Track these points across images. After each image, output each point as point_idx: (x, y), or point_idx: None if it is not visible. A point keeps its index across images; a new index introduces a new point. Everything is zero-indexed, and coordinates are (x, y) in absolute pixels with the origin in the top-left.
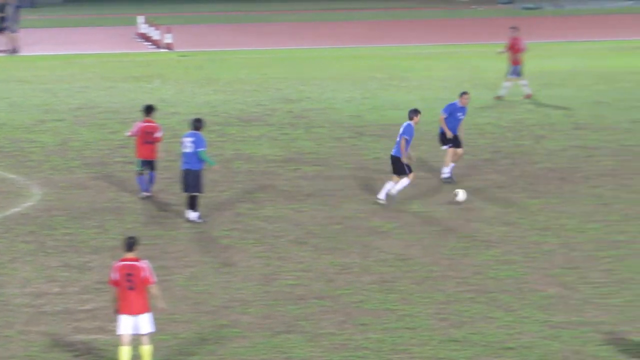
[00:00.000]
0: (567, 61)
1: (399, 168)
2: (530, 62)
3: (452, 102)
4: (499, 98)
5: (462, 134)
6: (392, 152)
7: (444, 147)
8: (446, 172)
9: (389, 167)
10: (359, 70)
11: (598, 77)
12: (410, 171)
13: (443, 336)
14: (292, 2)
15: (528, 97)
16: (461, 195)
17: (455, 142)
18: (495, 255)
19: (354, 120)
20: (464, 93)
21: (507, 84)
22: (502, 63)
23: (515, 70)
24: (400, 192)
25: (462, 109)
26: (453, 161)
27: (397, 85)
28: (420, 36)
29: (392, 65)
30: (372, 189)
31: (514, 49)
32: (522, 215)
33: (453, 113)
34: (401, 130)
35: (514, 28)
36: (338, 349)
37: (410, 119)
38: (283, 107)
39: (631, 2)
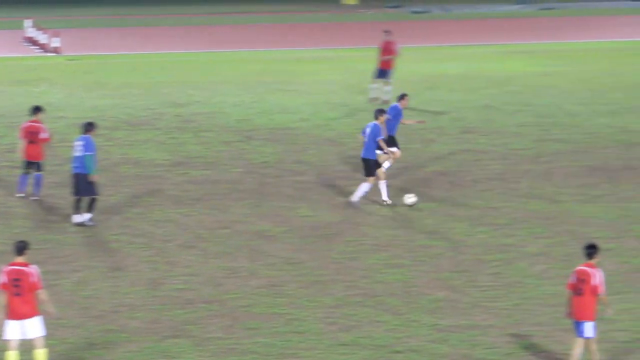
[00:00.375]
0: (455, 65)
1: (370, 170)
2: (418, 66)
3: (394, 104)
4: (373, 100)
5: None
6: (362, 154)
7: (392, 149)
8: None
9: (277, 170)
10: (248, 74)
11: (486, 81)
12: (374, 174)
13: (332, 340)
14: (182, 6)
15: (383, 102)
16: (411, 199)
17: (393, 144)
18: (383, 258)
19: (243, 124)
20: (405, 95)
21: (379, 86)
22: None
23: (385, 73)
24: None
25: (402, 112)
26: (392, 162)
27: (285, 89)
28: (309, 40)
29: (280, 69)
30: (260, 193)
31: (387, 52)
32: (410, 219)
33: (396, 116)
34: (368, 130)
35: (387, 32)
36: (226, 353)
37: (376, 118)
38: (171, 111)
39: (518, 6)
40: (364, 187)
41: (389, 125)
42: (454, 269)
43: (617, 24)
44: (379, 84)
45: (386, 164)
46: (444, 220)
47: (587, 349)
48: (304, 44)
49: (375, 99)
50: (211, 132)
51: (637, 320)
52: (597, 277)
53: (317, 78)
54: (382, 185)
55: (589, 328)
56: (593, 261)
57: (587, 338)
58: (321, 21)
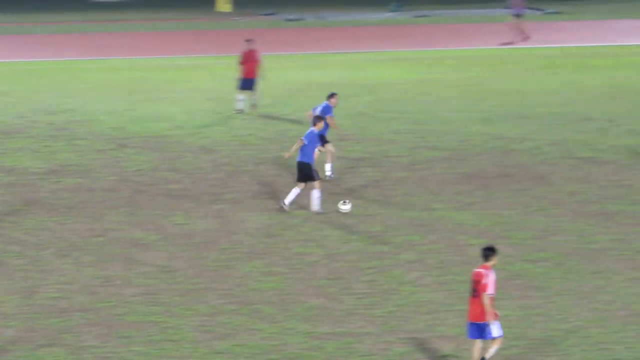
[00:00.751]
0: (330, 72)
1: (307, 174)
2: (293, 74)
3: (326, 103)
4: (239, 111)
5: None
6: (298, 159)
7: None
8: (328, 169)
9: (151, 178)
10: (122, 82)
11: (361, 88)
12: (319, 177)
13: (207, 348)
14: (54, 13)
15: (240, 112)
16: (346, 206)
17: (324, 141)
18: (258, 266)
19: (116, 132)
20: (334, 94)
21: (246, 97)
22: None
23: (249, 83)
24: (293, 202)
25: (332, 110)
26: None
27: (159, 97)
28: (183, 48)
29: (155, 77)
30: (135, 201)
31: (250, 61)
32: (286, 227)
33: (326, 113)
34: (307, 136)
35: (249, 40)
36: None
37: (314, 124)
38: (45, 119)
39: (391, 14)
40: (314, 193)
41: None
42: (329, 277)
43: (489, 32)
44: (245, 95)
45: (328, 167)
46: (319, 228)
47: (474, 347)
48: (179, 52)
49: (241, 110)
50: (85, 140)
51: (513, 327)
52: (489, 278)
53: (191, 86)
54: (296, 192)
55: (494, 328)
56: (489, 263)
57: (495, 338)
58: (196, 29)
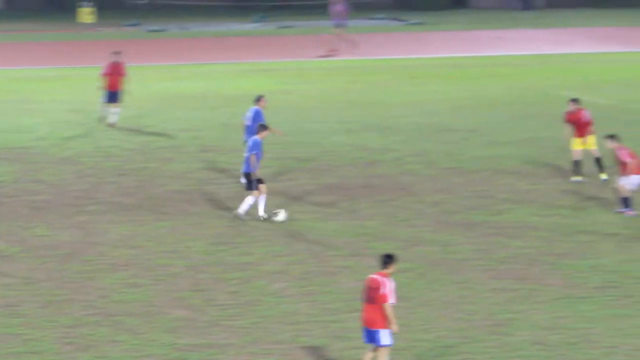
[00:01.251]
0: (194, 84)
1: (251, 184)
2: (157, 85)
3: (254, 107)
4: (111, 125)
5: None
6: (243, 169)
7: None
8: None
9: (12, 190)
10: None
11: (224, 99)
12: (262, 182)
13: None
14: None
15: (112, 125)
16: (282, 215)
17: None
18: (121, 278)
19: None
20: (262, 96)
21: (114, 109)
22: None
23: (115, 96)
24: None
25: (261, 113)
26: None
27: (21, 109)
28: (46, 59)
29: (16, 88)
30: None
31: (116, 74)
32: (149, 238)
33: (257, 119)
34: (250, 145)
35: (117, 52)
36: None
37: (258, 133)
38: None
39: (255, 24)
40: (249, 200)
41: (251, 129)
42: (192, 288)
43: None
44: (111, 107)
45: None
46: (182, 240)
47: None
48: (41, 63)
49: (113, 124)
50: None
51: None
52: (387, 286)
53: (53, 97)
54: (251, 200)
55: (384, 336)
56: (386, 271)
57: (383, 346)
58: (59, 39)
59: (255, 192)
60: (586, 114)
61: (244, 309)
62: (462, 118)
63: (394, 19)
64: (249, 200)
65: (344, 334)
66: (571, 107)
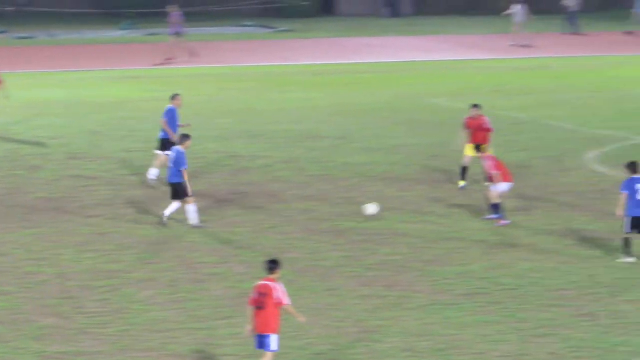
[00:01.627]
0: (62, 91)
1: (178, 193)
2: (24, 92)
3: (170, 106)
4: None
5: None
6: (167, 179)
7: (163, 153)
8: (153, 174)
9: None
10: None
11: (93, 106)
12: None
13: None
14: None
15: None
16: (372, 208)
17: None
18: None
19: None
20: (177, 95)
21: None
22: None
23: None
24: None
25: (176, 111)
26: (163, 165)
27: None
28: None
29: None
30: None
31: None
32: (17, 246)
33: (173, 118)
34: (174, 157)
35: None
36: None
37: (181, 144)
38: None
39: (123, 32)
40: (190, 208)
41: (171, 127)
42: (60, 296)
43: (224, 50)
44: None
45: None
46: (51, 247)
47: None
48: None
49: None
50: None
51: (245, 345)
52: (279, 290)
53: None
54: (176, 205)
55: (273, 341)
56: (273, 276)
57: (271, 351)
58: None
59: (189, 199)
60: (487, 121)
61: (112, 317)
62: (331, 125)
63: (263, 26)
64: (174, 205)
65: (213, 341)
66: (472, 112)
